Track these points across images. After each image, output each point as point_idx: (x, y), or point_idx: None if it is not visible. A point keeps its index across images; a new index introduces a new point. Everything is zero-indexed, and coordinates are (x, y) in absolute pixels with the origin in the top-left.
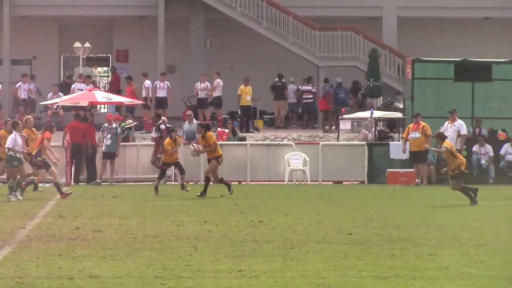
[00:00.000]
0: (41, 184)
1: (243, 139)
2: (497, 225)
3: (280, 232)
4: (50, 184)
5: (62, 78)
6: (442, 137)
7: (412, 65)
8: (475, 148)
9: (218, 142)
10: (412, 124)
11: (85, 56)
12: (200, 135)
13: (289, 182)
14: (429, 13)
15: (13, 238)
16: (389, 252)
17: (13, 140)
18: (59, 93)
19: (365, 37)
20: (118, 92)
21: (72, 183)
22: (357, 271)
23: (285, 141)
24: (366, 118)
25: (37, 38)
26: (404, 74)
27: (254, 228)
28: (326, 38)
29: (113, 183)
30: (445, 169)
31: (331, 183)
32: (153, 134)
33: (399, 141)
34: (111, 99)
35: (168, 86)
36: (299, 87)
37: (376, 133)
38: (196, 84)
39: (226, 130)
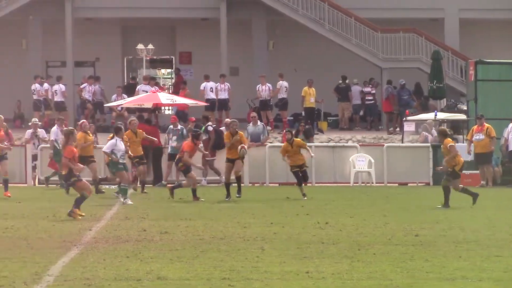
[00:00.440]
0: (106, 186)
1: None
2: None
3: (346, 234)
4: (115, 185)
5: (125, 80)
6: (444, 134)
7: (475, 67)
8: None
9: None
10: (476, 126)
11: (148, 58)
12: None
13: (354, 184)
14: (491, 15)
15: (80, 240)
16: (455, 253)
17: (113, 145)
18: (123, 95)
19: (427, 39)
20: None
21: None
22: (424, 272)
23: (349, 143)
24: (430, 120)
25: (100, 40)
26: (467, 76)
27: (321, 230)
28: (388, 40)
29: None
30: (441, 167)
31: (397, 184)
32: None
33: (463, 142)
34: (175, 101)
35: (228, 87)
36: (363, 88)
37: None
38: (258, 86)
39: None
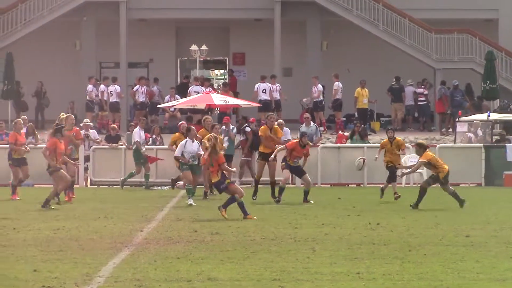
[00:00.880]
0: (158, 187)
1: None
2: None
3: (397, 235)
4: (167, 187)
5: (179, 81)
6: (423, 148)
7: None
8: None
9: (337, 144)
10: None
11: (202, 59)
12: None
13: (406, 185)
14: None
15: (131, 241)
16: (506, 254)
17: (182, 146)
18: (176, 96)
19: (481, 40)
20: (235, 94)
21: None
22: (475, 273)
23: None
24: (477, 121)
25: (154, 41)
26: None
27: (372, 231)
28: (442, 41)
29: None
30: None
31: None
32: (240, 137)
33: None
34: (228, 102)
35: (279, 88)
36: (416, 89)
37: (492, 135)
38: (312, 87)
39: (346, 134)
